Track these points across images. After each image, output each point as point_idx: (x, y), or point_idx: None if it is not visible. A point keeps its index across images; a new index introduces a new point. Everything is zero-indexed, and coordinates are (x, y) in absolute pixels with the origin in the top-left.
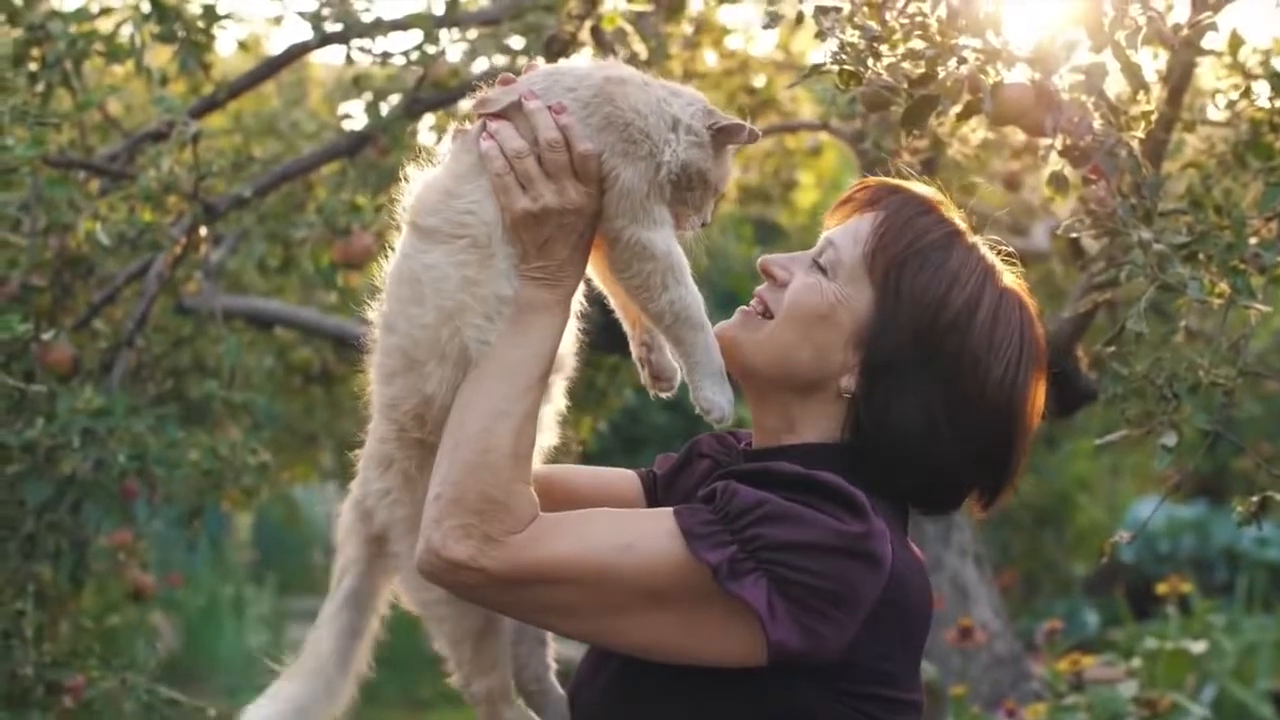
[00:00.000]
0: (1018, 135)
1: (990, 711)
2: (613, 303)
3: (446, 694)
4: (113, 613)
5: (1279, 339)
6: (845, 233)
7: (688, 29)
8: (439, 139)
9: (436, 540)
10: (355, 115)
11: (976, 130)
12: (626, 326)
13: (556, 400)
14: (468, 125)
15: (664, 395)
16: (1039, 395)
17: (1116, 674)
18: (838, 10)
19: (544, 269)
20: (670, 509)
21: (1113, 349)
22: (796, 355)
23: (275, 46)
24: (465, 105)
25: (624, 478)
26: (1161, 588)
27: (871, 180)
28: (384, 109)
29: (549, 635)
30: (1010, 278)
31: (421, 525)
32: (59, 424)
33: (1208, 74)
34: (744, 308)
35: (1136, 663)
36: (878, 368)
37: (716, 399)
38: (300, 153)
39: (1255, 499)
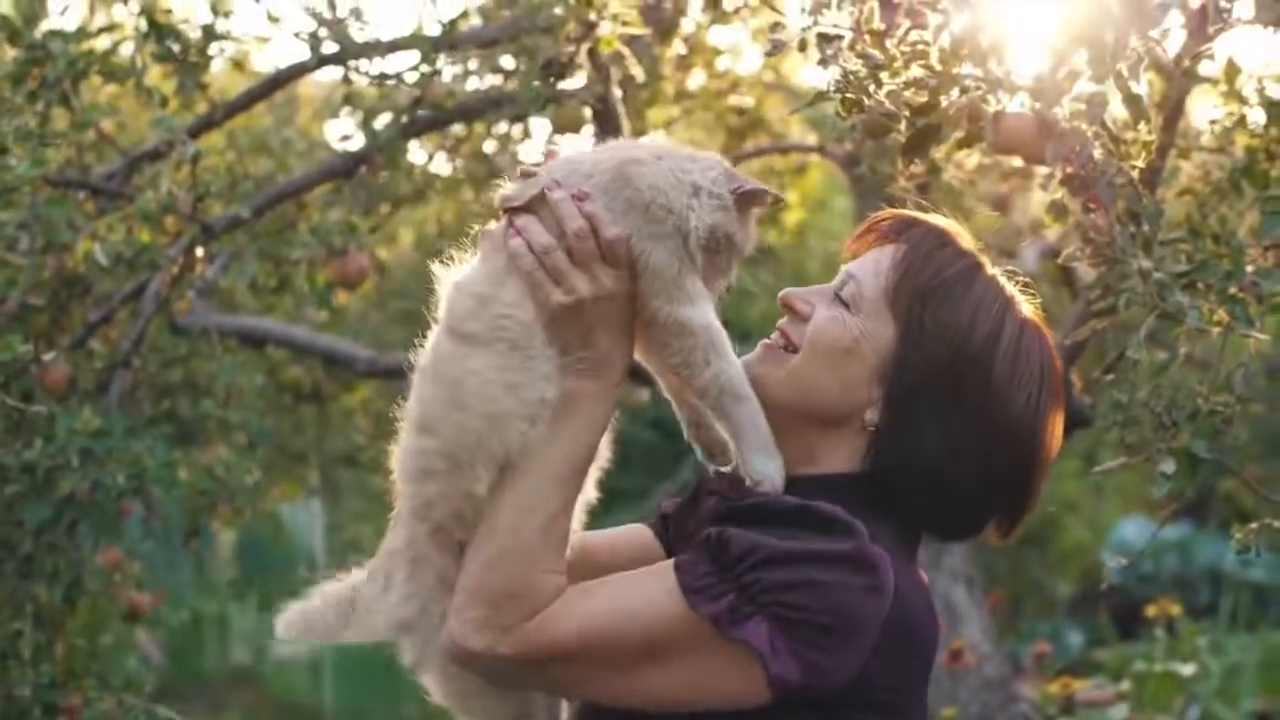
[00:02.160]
0: (1011, 159)
1: None
2: (661, 385)
3: (430, 713)
4: (101, 632)
5: (1266, 364)
6: (865, 266)
7: (680, 48)
8: (429, 159)
9: (456, 631)
10: (351, 135)
11: (971, 155)
12: (676, 407)
13: (588, 490)
14: (492, 224)
15: (724, 470)
16: (1058, 424)
17: (1106, 696)
18: (840, 38)
19: (586, 359)
20: (671, 563)
21: (1111, 376)
22: (822, 389)
23: (262, 64)
24: (456, 129)
25: (637, 534)
26: (1151, 610)
27: (890, 212)
28: (363, 127)
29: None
30: (1029, 308)
31: (451, 607)
32: (58, 445)
33: (1198, 100)
34: (766, 341)
35: (1125, 685)
36: (901, 401)
37: (767, 470)
38: (292, 171)
39: (1254, 526)
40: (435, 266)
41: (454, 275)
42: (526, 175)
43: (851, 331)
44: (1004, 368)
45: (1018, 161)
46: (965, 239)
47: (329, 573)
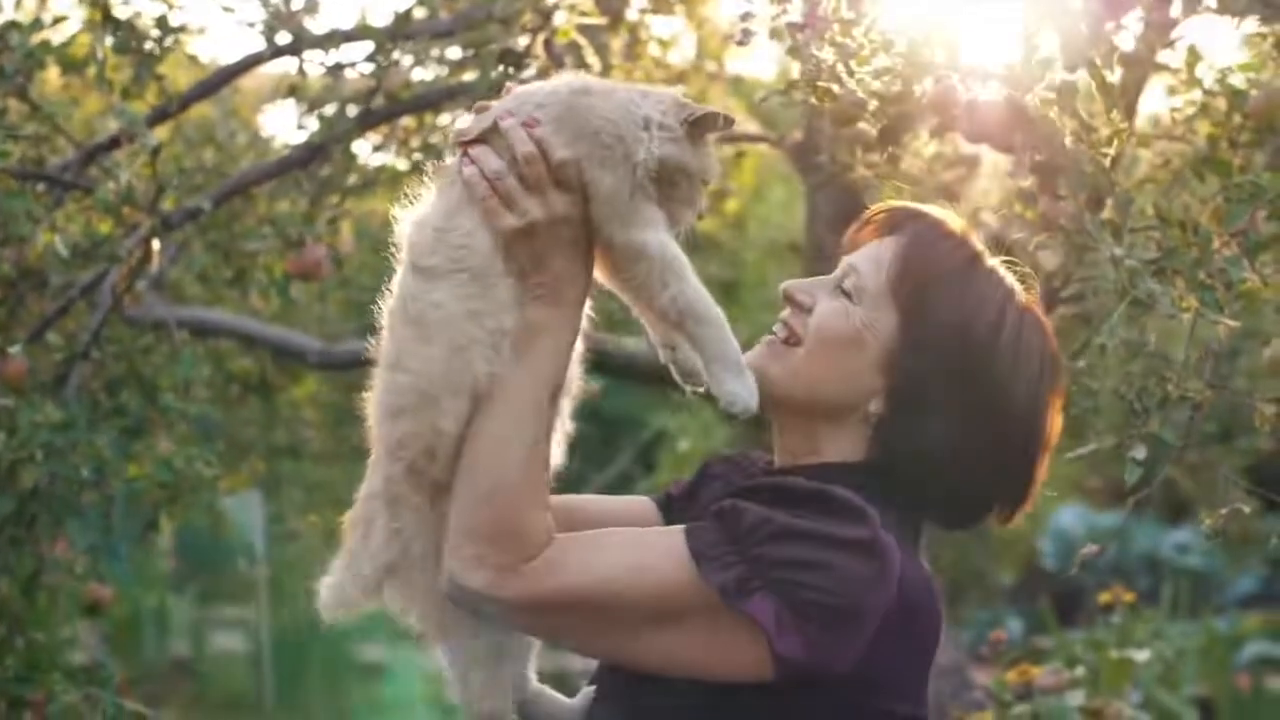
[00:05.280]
0: (961, 147)
1: None
2: (633, 309)
3: (375, 704)
4: (54, 625)
5: (1211, 349)
6: (867, 258)
7: (625, 36)
8: (374, 150)
9: (455, 569)
10: (304, 126)
11: (929, 144)
12: (649, 330)
13: (566, 422)
14: (446, 160)
15: (700, 391)
16: (1057, 412)
17: (1060, 681)
18: (809, 27)
19: (543, 284)
20: (681, 528)
21: (1081, 363)
22: (827, 380)
23: (205, 54)
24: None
25: (639, 504)
26: (1104, 597)
27: (888, 204)
28: (320, 119)
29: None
30: (1028, 298)
31: (445, 551)
32: (20, 438)
33: (1151, 87)
34: (769, 336)
35: (1080, 671)
36: (904, 391)
37: (737, 390)
38: (239, 163)
39: (1224, 511)
40: (394, 209)
41: (412, 214)
42: (481, 110)
43: (854, 322)
44: (1005, 357)
45: (967, 149)
46: (965, 230)
47: (268, 565)
